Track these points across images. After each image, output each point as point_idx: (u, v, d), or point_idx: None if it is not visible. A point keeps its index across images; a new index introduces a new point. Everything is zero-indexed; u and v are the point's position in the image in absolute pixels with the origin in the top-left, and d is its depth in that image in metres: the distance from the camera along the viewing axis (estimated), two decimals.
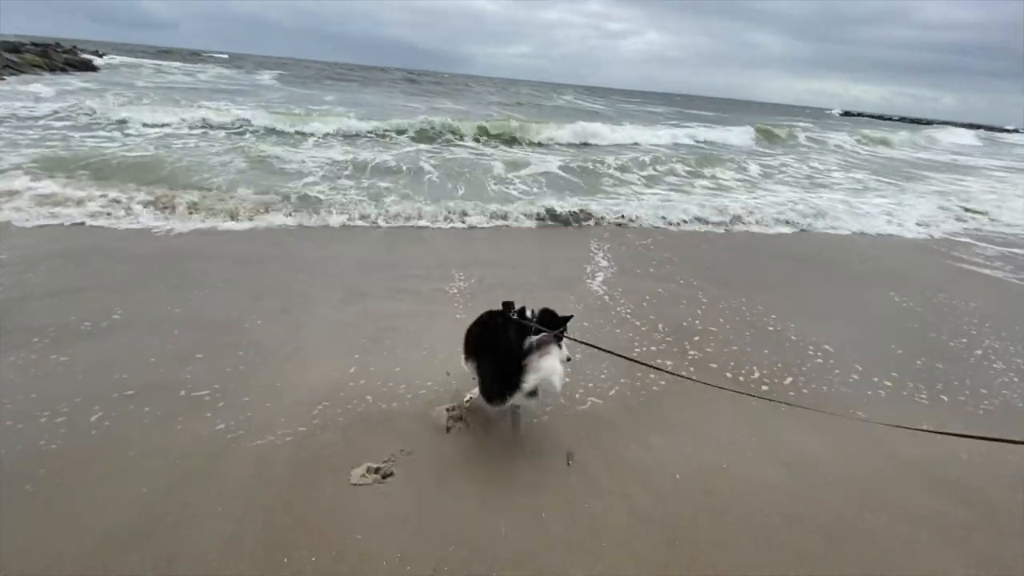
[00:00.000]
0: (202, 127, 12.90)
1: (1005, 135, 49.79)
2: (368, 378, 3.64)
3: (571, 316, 3.11)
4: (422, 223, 7.42)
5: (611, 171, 12.19)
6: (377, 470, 2.80)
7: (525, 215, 7.94)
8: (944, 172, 18.56)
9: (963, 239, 9.06)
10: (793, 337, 4.75)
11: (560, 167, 11.97)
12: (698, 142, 19.28)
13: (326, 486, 2.66)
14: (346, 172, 10.05)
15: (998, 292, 6.53)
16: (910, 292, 6.14)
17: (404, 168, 10.72)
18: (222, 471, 2.72)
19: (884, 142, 26.24)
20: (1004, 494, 2.99)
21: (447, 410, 3.33)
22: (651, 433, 3.31)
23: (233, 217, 6.83)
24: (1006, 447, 3.14)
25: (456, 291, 5.20)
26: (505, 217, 7.86)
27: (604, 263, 6.37)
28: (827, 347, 4.58)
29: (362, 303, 4.80)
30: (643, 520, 2.62)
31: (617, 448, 3.14)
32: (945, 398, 3.99)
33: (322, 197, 7.88)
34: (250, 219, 6.85)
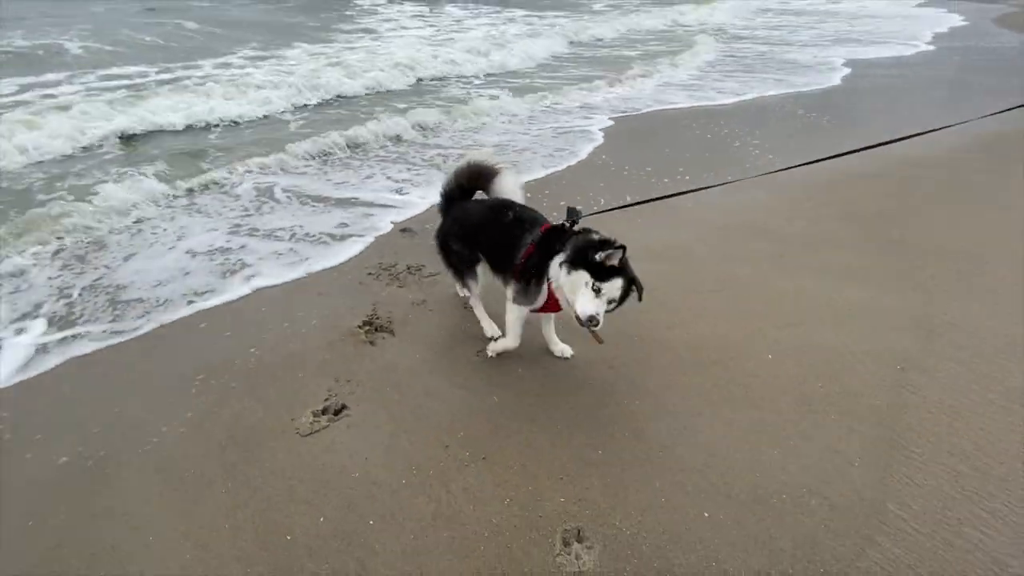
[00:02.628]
0: None
1: None
2: (235, 327, 2.95)
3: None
4: None
5: None
6: (324, 411, 2.38)
7: None
8: None
9: None
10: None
11: None
12: None
13: (273, 453, 2.17)
14: None
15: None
16: None
17: None
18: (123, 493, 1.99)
19: None
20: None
21: (359, 327, 2.93)
22: None
23: None
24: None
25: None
26: None
27: None
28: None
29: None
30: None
31: None
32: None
33: None
34: None
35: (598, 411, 2.29)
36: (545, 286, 2.29)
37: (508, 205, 2.56)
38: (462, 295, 3.04)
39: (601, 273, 2.01)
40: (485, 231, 2.57)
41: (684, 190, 2.80)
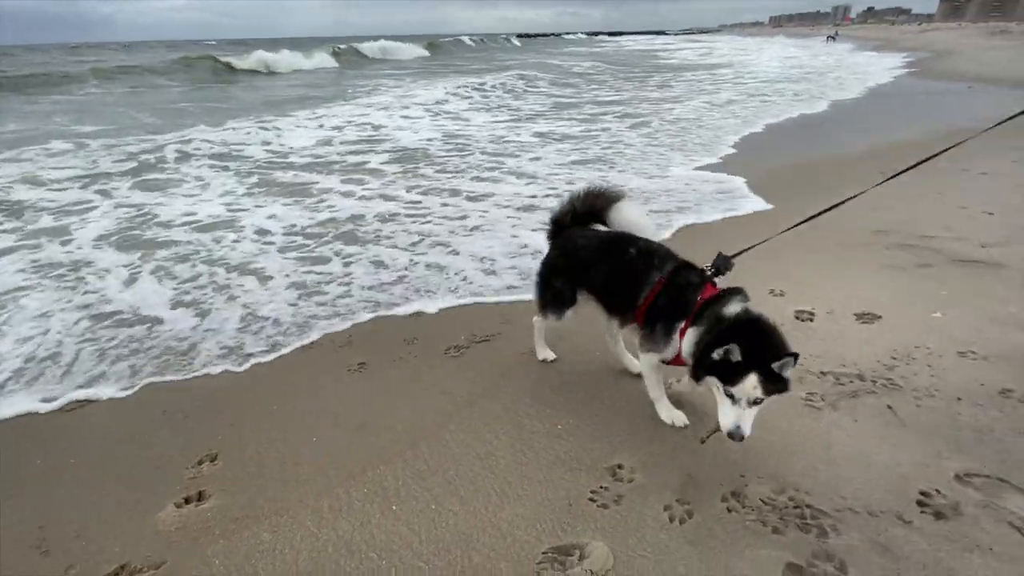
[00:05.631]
0: None
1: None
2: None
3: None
4: None
5: None
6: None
7: None
8: None
9: None
10: None
11: None
12: None
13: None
14: None
15: None
16: None
17: None
18: None
19: None
20: None
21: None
22: None
23: None
24: None
25: None
26: None
27: None
28: None
29: None
30: None
31: None
32: None
33: None
34: None
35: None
36: (676, 336, 2.02)
37: (630, 239, 2.27)
38: (536, 323, 2.81)
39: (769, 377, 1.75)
40: (598, 268, 2.31)
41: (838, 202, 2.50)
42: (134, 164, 7.99)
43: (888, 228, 4.62)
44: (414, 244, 4.89)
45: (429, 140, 9.60)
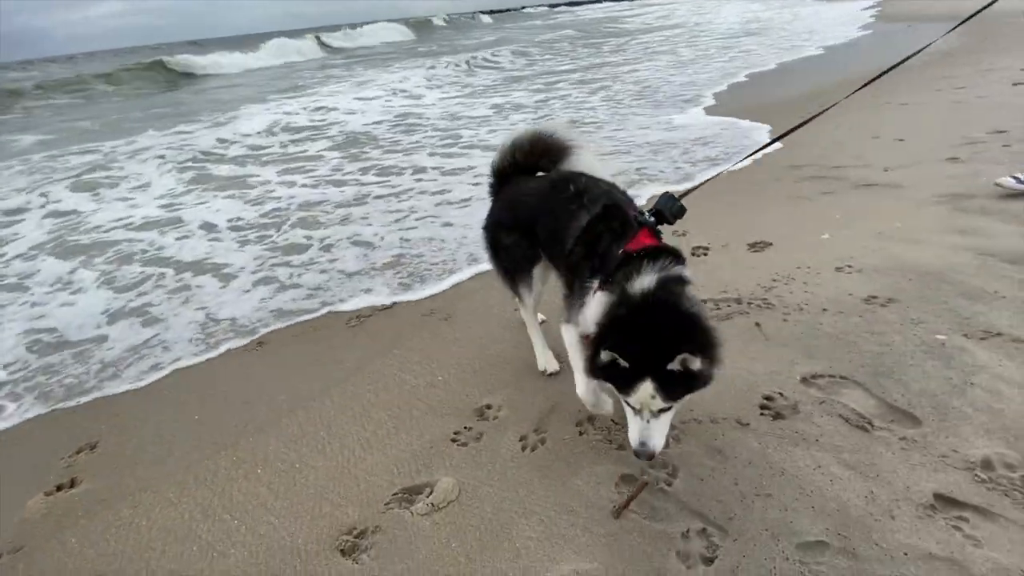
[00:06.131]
0: None
1: None
2: None
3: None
4: None
5: None
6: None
7: None
8: None
9: None
10: None
11: None
12: None
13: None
14: None
15: None
16: None
17: None
18: None
19: None
20: None
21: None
22: None
23: None
24: None
25: None
26: None
27: None
28: None
29: None
30: None
31: None
32: None
33: None
34: None
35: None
36: (593, 301, 1.57)
37: (573, 177, 1.84)
38: (523, 316, 2.26)
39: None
40: (544, 214, 1.84)
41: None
42: (77, 172, 7.72)
43: (803, 163, 4.65)
44: (397, 221, 4.60)
45: (382, 121, 9.43)
